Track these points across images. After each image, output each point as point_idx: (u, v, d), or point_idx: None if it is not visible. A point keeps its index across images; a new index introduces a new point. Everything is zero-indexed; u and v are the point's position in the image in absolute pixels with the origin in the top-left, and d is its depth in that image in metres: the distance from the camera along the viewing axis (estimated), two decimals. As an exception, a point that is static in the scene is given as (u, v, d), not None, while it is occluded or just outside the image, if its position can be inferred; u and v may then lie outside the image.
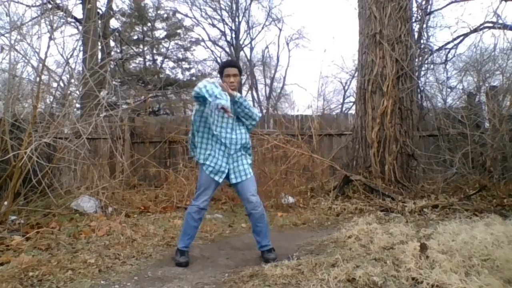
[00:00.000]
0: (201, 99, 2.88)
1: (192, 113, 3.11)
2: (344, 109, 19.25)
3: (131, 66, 16.89)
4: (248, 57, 21.54)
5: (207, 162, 3.02)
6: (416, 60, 6.38)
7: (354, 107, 8.03)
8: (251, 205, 3.01)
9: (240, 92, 3.25)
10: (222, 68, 3.11)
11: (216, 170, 3.01)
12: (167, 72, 17.55)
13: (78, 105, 6.81)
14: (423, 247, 2.70)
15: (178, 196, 5.68)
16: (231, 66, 3.11)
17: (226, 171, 3.03)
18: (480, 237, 2.84)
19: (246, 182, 3.04)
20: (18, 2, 5.99)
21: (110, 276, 2.71)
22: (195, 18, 20.16)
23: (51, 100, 4.88)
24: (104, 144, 6.76)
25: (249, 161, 3.12)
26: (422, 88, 6.62)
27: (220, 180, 3.04)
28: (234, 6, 20.79)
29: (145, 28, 16.79)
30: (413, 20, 6.44)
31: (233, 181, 3.03)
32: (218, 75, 3.13)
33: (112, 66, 12.76)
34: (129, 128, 7.40)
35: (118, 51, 15.39)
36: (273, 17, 21.46)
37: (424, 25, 6.66)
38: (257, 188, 3.17)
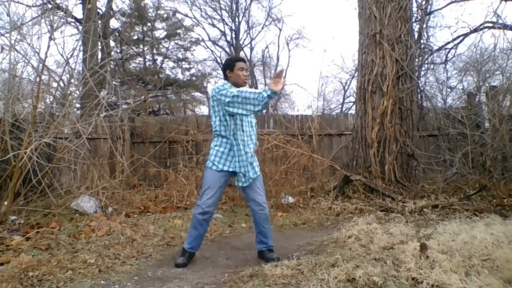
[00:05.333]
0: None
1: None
2: (344, 109, 19.23)
3: (131, 66, 16.89)
4: (248, 57, 21.51)
5: (216, 159, 2.96)
6: (416, 60, 6.38)
7: (354, 107, 8.03)
8: (258, 205, 2.99)
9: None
10: (234, 62, 3.00)
11: (223, 160, 2.95)
12: (167, 72, 17.57)
13: (78, 105, 6.81)
14: (423, 247, 2.69)
15: (178, 196, 5.68)
16: (243, 61, 3.07)
17: (236, 168, 2.94)
18: (480, 237, 2.83)
19: (254, 182, 2.98)
20: (18, 2, 5.98)
21: (110, 276, 2.71)
22: (195, 18, 20.20)
23: (51, 100, 4.88)
24: (104, 144, 6.76)
25: (256, 162, 3.06)
26: (422, 88, 6.62)
27: (225, 168, 2.92)
28: (234, 6, 20.80)
29: (145, 28, 16.80)
30: (413, 20, 6.44)
31: (240, 184, 2.98)
32: (227, 70, 2.98)
33: (112, 66, 12.73)
34: (129, 128, 7.39)
35: (118, 51, 15.38)
36: (273, 17, 21.52)
37: (424, 25, 6.65)
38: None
